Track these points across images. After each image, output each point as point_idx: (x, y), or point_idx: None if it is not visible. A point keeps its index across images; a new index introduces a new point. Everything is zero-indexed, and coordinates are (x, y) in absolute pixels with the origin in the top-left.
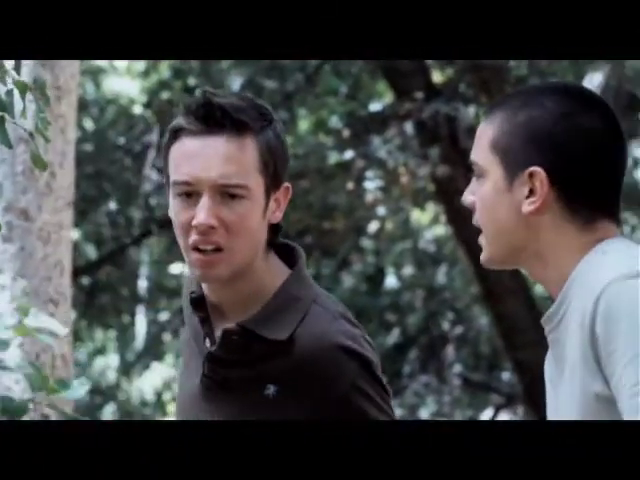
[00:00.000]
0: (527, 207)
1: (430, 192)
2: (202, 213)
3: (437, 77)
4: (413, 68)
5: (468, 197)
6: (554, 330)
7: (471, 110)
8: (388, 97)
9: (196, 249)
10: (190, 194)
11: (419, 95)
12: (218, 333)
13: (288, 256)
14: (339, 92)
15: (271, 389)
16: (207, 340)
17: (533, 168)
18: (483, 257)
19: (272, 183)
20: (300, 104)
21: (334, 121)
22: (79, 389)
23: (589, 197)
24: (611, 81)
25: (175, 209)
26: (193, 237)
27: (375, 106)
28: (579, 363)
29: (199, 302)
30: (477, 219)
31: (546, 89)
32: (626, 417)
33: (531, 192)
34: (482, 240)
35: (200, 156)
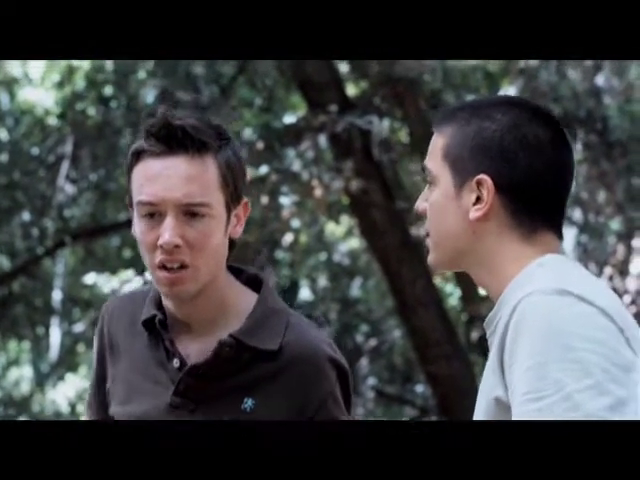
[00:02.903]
0: (474, 213)
1: (344, 205)
2: (167, 233)
3: (351, 90)
4: (327, 80)
5: (421, 204)
6: (491, 335)
7: (385, 123)
8: (302, 109)
9: (162, 267)
10: (153, 214)
11: (333, 108)
12: (188, 351)
13: (248, 279)
14: (253, 104)
15: (248, 402)
16: (175, 360)
17: (481, 176)
18: (430, 260)
19: (232, 199)
20: (214, 116)
21: (248, 133)
22: None
23: (532, 207)
24: (525, 95)
25: (140, 229)
26: (159, 256)
27: (289, 118)
28: (490, 367)
29: (164, 324)
30: (426, 225)
31: (495, 102)
32: None
33: (478, 199)
34: (429, 243)
35: (163, 176)
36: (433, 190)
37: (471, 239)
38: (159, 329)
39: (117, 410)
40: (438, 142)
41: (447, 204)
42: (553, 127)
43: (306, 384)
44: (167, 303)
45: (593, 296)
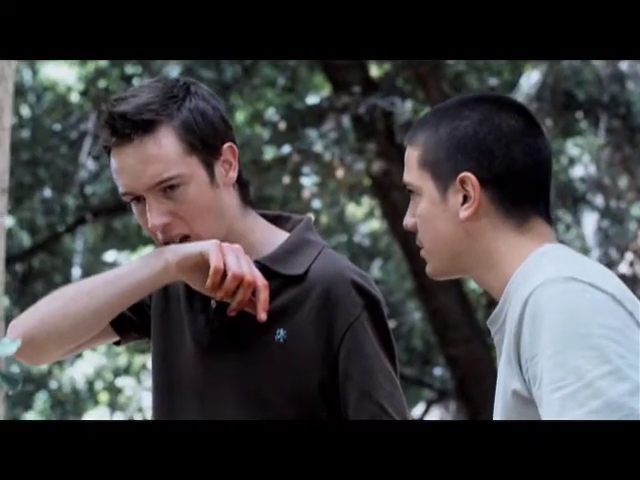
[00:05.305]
0: (464, 213)
1: (366, 186)
2: (152, 217)
3: (374, 71)
4: (351, 62)
5: (409, 220)
6: (498, 332)
7: (408, 105)
8: (325, 90)
9: (167, 244)
10: (137, 198)
11: (356, 89)
12: None
13: (294, 224)
14: (276, 84)
15: (281, 333)
16: (212, 301)
17: (463, 174)
18: (428, 270)
19: (207, 154)
20: (237, 95)
21: (271, 113)
22: (10, 346)
23: (519, 195)
24: (548, 79)
25: (135, 214)
26: (159, 236)
27: (312, 99)
28: (505, 360)
29: None
30: (419, 237)
31: (462, 101)
32: (543, 414)
33: (465, 198)
34: (424, 254)
35: (124, 168)
36: (418, 202)
37: (466, 240)
38: None
39: (157, 358)
40: (412, 154)
41: (435, 211)
42: (523, 114)
43: (330, 308)
44: None
45: (601, 282)
